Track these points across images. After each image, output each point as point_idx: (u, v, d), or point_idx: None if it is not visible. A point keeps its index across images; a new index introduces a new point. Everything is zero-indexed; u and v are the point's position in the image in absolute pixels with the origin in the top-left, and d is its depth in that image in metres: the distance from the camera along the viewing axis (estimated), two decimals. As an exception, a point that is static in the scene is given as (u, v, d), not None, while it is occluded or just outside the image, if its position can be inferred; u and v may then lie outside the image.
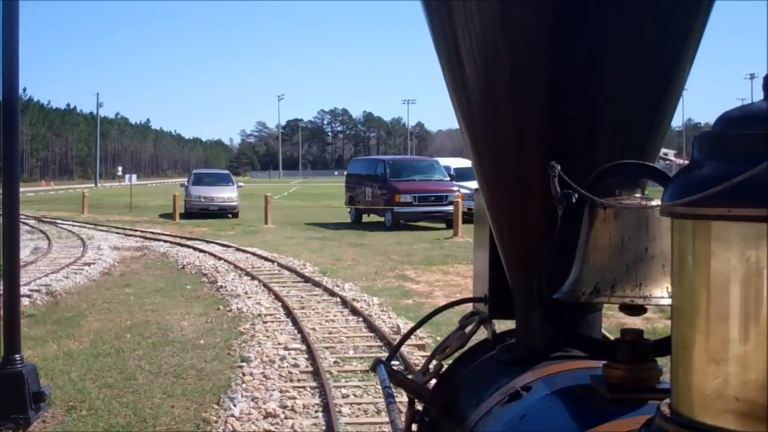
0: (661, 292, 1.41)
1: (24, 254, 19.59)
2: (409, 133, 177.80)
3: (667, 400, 1.11)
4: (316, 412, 7.39)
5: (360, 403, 7.59)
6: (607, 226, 1.47)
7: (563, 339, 1.71)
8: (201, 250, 20.50)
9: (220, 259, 18.62)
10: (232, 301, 13.08)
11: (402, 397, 2.92)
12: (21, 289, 12.73)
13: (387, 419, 2.33)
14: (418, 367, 2.30)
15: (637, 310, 1.46)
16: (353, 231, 26.59)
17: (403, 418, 2.19)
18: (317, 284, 14.51)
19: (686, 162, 1.13)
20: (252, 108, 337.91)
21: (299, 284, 14.89)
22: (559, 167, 1.51)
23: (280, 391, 7.95)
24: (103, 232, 27.21)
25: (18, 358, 2.86)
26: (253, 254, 19.40)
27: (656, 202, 1.43)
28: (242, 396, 7.76)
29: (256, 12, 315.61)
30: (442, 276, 15.99)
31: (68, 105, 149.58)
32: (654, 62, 1.62)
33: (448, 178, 29.16)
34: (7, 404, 2.81)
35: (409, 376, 2.19)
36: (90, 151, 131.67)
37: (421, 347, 9.43)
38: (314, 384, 8.26)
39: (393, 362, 2.42)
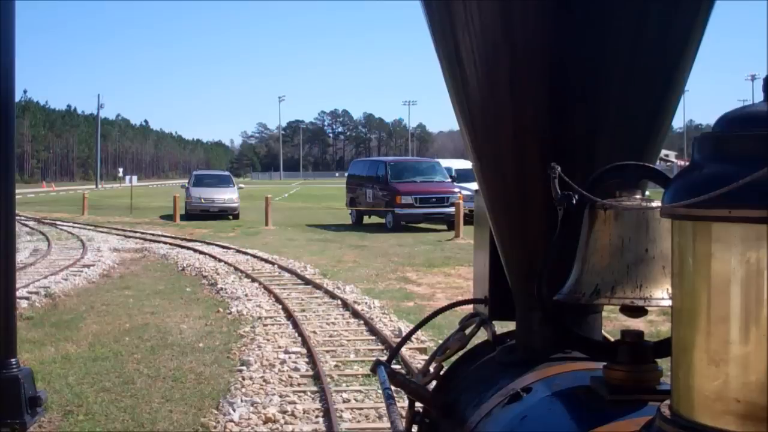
0: (661, 294, 1.41)
1: (23, 256, 19.59)
2: (410, 134, 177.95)
3: (668, 402, 1.10)
4: (317, 417, 7.36)
5: (361, 408, 7.56)
6: (607, 227, 1.47)
7: (563, 340, 1.70)
8: (201, 252, 20.51)
9: (220, 261, 18.62)
10: (232, 304, 13.07)
11: (403, 401, 2.92)
12: (19, 291, 12.73)
13: (388, 424, 2.32)
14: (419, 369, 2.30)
15: (637, 311, 1.46)
16: (354, 233, 26.60)
17: (403, 420, 2.18)
18: (318, 286, 14.50)
19: (687, 164, 1.13)
20: (253, 109, 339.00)
21: (300, 286, 14.89)
22: (559, 168, 1.51)
23: (280, 396, 7.93)
24: (103, 233, 27.23)
25: (14, 362, 2.84)
26: (254, 256, 19.39)
27: (656, 204, 1.43)
28: (242, 401, 7.73)
29: (257, 12, 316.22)
30: (443, 278, 15.99)
31: (68, 106, 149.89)
32: (654, 63, 1.62)
33: (450, 180, 29.17)
34: (3, 409, 2.79)
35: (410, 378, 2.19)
36: (91, 152, 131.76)
37: (423, 350, 9.41)
38: (315, 388, 8.24)
39: (394, 364, 2.42)
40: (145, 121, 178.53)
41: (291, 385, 8.44)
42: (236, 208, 33.94)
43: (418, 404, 2.15)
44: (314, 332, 10.79)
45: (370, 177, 29.54)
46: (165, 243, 23.44)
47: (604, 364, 1.47)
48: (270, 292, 14.00)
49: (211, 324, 11.63)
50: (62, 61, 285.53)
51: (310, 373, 8.81)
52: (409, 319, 11.33)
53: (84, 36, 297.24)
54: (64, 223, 31.29)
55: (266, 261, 18.46)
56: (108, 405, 7.67)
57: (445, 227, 26.78)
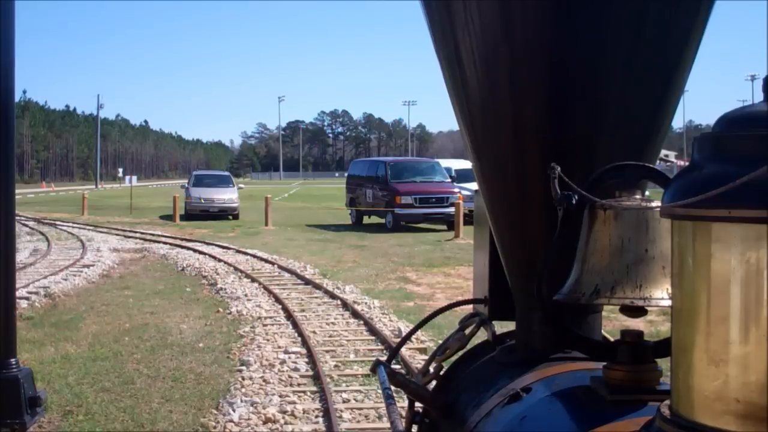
0: (661, 294, 1.41)
1: (23, 256, 19.58)
2: (409, 134, 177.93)
3: (667, 402, 1.10)
4: (317, 417, 7.37)
5: (361, 408, 7.57)
6: (607, 227, 1.47)
7: (563, 340, 1.70)
8: (201, 252, 20.50)
9: (220, 261, 18.61)
10: (232, 304, 13.07)
11: (403, 401, 2.92)
12: (19, 291, 12.72)
13: (388, 424, 2.32)
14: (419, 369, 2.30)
15: (637, 311, 1.46)
16: (354, 233, 26.60)
17: (403, 420, 2.18)
18: (318, 287, 14.50)
19: (687, 164, 1.13)
20: (252, 109, 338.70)
21: (299, 287, 14.89)
22: (559, 168, 1.51)
23: (280, 396, 7.93)
24: (102, 233, 27.22)
25: (13, 362, 2.84)
26: (254, 256, 19.39)
27: (656, 204, 1.43)
28: (241, 401, 7.73)
29: (257, 13, 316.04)
30: (443, 278, 15.99)
31: (67, 106, 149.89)
32: (654, 63, 1.62)
33: (449, 180, 29.18)
34: (3, 409, 2.80)
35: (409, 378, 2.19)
36: (90, 152, 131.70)
37: (423, 350, 9.41)
38: (314, 388, 8.24)
39: (393, 364, 2.42)
40: (145, 122, 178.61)
41: (291, 385, 8.44)
42: (236, 208, 33.93)
43: (418, 404, 2.15)
44: (314, 332, 10.79)
45: (370, 177, 29.55)
46: (165, 243, 23.43)
47: (604, 364, 1.47)
48: (270, 292, 14.00)
49: (210, 324, 11.63)
50: (62, 61, 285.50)
51: (310, 373, 8.81)
52: (409, 319, 11.33)
53: (84, 36, 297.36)
54: (64, 223, 31.28)
55: (266, 261, 18.46)
56: (108, 405, 7.67)
57: (445, 227, 26.78)
